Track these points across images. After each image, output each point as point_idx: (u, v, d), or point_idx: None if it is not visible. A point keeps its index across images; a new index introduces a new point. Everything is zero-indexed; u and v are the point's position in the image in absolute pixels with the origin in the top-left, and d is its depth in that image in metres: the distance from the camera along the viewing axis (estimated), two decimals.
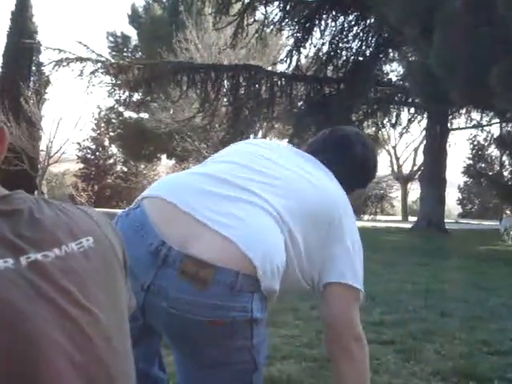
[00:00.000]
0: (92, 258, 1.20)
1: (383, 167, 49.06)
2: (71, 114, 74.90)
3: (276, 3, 24.67)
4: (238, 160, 2.23)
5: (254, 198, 2.07)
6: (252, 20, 25.18)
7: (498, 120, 26.55)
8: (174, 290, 1.85)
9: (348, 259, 2.21)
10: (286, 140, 31.86)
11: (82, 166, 49.64)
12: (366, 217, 42.57)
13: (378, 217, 43.26)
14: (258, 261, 1.89)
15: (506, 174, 31.85)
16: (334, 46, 25.51)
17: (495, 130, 34.96)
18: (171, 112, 33.46)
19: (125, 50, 44.34)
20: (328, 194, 2.26)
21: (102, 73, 22.67)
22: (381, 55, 25.82)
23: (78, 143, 48.00)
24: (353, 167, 2.50)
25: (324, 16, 24.82)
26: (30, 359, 1.00)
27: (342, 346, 2.20)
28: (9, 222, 1.16)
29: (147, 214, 2.04)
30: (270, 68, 28.80)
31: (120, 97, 26.17)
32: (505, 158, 31.97)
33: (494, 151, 40.62)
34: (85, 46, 22.89)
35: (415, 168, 45.10)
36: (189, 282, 1.87)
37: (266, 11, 24.89)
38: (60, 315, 1.08)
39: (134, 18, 43.59)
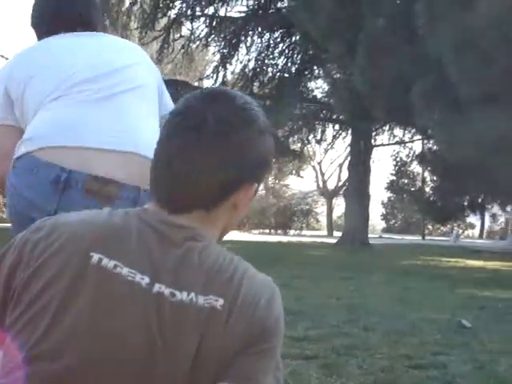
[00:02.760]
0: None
1: (309, 182, 49.61)
2: None
3: (202, 19, 24.74)
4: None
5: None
6: (178, 35, 25.18)
7: (419, 137, 27.15)
8: (80, 208, 1.84)
9: None
10: None
11: None
12: (291, 232, 42.84)
13: (304, 232, 43.58)
14: None
15: (427, 189, 32.46)
16: (259, 62, 25.70)
17: (417, 147, 35.74)
18: None
19: None
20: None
21: None
22: (306, 72, 26.13)
23: None
24: None
25: (250, 32, 24.98)
26: None
27: None
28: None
29: (37, 156, 2.10)
30: (196, 83, 28.79)
31: None
32: (426, 174, 32.66)
33: (416, 167, 41.44)
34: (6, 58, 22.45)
35: (340, 183, 45.69)
36: (94, 200, 1.89)
37: (192, 27, 24.94)
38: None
39: None
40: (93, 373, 1.20)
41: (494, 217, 50.47)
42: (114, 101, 2.23)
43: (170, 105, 2.48)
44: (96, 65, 2.29)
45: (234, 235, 31.91)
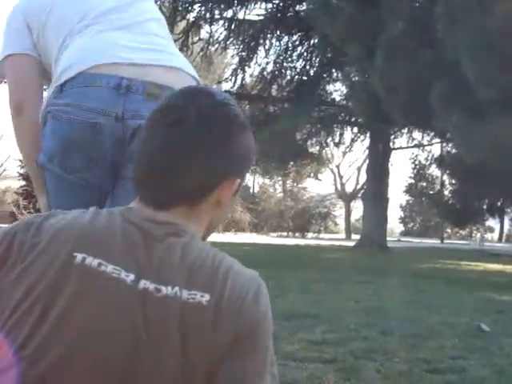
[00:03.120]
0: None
1: (327, 185, 49.51)
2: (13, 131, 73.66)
3: (221, 22, 24.80)
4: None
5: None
6: (197, 38, 25.25)
7: (438, 140, 27.05)
8: (145, 110, 1.88)
9: None
10: None
11: (23, 183, 48.80)
12: (309, 235, 42.80)
13: (322, 235, 43.51)
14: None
15: (446, 193, 32.31)
16: (278, 65, 25.74)
17: (436, 150, 35.61)
18: None
19: None
20: None
21: None
22: (324, 75, 26.12)
23: (20, 160, 47.24)
24: None
25: (268, 35, 25.02)
26: None
27: None
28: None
29: (92, 72, 2.17)
30: (215, 86, 28.84)
31: None
32: (445, 177, 32.50)
33: (434, 171, 41.30)
34: None
35: (358, 186, 45.65)
36: (156, 102, 1.99)
37: (210, 30, 25.02)
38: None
39: None
40: (78, 370, 1.20)
41: None
42: (145, 27, 2.39)
43: None
44: None
45: (252, 238, 31.94)
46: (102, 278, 1.25)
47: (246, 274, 1.33)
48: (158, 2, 23.98)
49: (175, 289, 1.24)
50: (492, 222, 43.19)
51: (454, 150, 21.66)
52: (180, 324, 1.22)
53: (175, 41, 24.65)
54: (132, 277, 1.25)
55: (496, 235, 52.09)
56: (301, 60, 25.64)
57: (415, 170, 45.37)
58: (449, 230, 47.96)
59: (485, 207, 23.27)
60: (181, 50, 24.17)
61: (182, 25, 24.93)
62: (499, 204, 23.62)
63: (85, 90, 2.14)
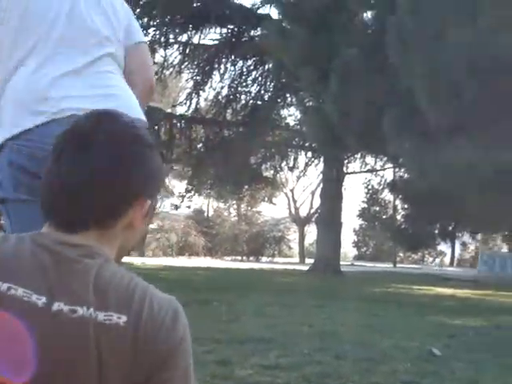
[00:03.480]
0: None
1: (281, 209, 49.65)
2: None
3: (175, 46, 24.82)
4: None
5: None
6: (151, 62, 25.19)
7: (391, 165, 27.36)
8: None
9: None
10: (186, 182, 31.89)
11: None
12: (264, 259, 42.77)
13: (276, 259, 43.50)
14: None
15: (398, 217, 32.72)
16: (233, 89, 25.84)
17: (388, 175, 35.95)
18: None
19: None
20: None
21: None
22: (279, 100, 26.30)
23: None
24: None
25: (223, 60, 25.14)
26: None
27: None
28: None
29: None
30: (169, 110, 28.84)
31: None
32: (397, 202, 32.89)
33: (387, 195, 41.76)
34: None
35: (312, 211, 45.79)
36: None
37: (165, 54, 25.02)
38: None
39: None
40: None
41: (464, 245, 50.84)
42: (97, 68, 2.30)
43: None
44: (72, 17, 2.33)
45: (206, 262, 31.81)
46: (12, 302, 1.22)
47: (162, 297, 1.32)
48: None
49: (90, 310, 1.22)
50: (444, 247, 43.70)
51: (406, 175, 21.94)
52: (96, 345, 1.20)
53: None
54: (44, 299, 1.22)
55: (448, 259, 52.69)
56: (255, 85, 25.80)
57: (368, 195, 45.84)
58: (401, 254, 48.37)
59: (436, 232, 23.58)
60: None
61: None
62: (450, 228, 23.95)
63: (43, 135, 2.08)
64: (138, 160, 1.36)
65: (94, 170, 1.30)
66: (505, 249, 41.86)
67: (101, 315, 1.22)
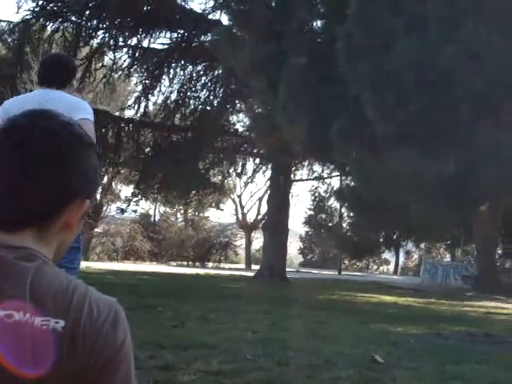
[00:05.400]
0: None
1: (228, 216, 49.61)
2: None
3: (125, 49, 24.66)
4: None
5: None
6: (100, 65, 25.03)
7: (337, 173, 27.58)
8: None
9: None
10: (132, 186, 31.65)
11: None
12: (210, 264, 42.67)
13: (222, 264, 43.42)
14: None
15: (344, 225, 33.02)
16: (182, 94, 25.79)
17: (335, 183, 36.23)
18: None
19: None
20: None
21: None
22: (228, 106, 26.33)
23: None
24: None
25: (173, 64, 25.08)
26: None
27: None
28: None
29: None
30: (117, 113, 28.64)
31: None
32: (344, 209, 33.16)
33: (334, 203, 42.07)
34: None
35: (259, 217, 45.88)
36: None
37: (114, 57, 24.88)
38: None
39: None
40: None
41: (408, 253, 51.48)
42: None
43: None
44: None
45: (151, 267, 31.61)
46: None
47: (102, 300, 1.28)
48: (61, 27, 23.69)
49: (27, 315, 1.19)
50: (388, 255, 44.16)
51: (352, 183, 22.14)
52: (32, 351, 1.17)
53: (77, 67, 24.34)
54: None
55: (392, 267, 53.30)
56: (205, 90, 25.79)
57: (315, 202, 46.13)
58: (346, 262, 48.76)
59: (381, 240, 23.85)
60: (83, 76, 23.91)
61: (85, 50, 24.66)
62: (395, 237, 24.25)
63: None
64: (75, 159, 1.33)
65: (29, 169, 1.28)
66: (448, 258, 42.51)
67: (38, 320, 1.19)
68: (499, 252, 31.64)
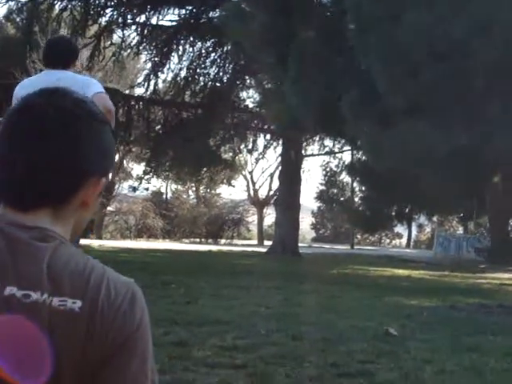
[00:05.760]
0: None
1: (240, 192, 49.65)
2: None
3: (133, 27, 24.59)
4: None
5: None
6: (109, 43, 24.97)
7: (349, 147, 27.51)
8: None
9: None
10: (144, 164, 31.68)
11: None
12: (222, 241, 42.81)
13: (235, 241, 43.55)
14: None
15: (356, 199, 32.95)
16: (191, 71, 25.71)
17: (347, 157, 36.19)
18: None
19: None
20: None
21: None
22: (238, 82, 26.24)
23: None
24: None
25: (182, 41, 24.99)
26: None
27: None
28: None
29: None
30: (127, 91, 28.60)
31: None
32: (355, 184, 33.13)
33: (345, 177, 42.00)
34: None
35: (271, 193, 45.88)
36: None
37: (123, 34, 24.78)
38: None
39: None
40: None
41: (420, 227, 51.42)
42: None
43: None
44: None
45: (164, 244, 31.71)
46: None
47: (120, 281, 1.27)
48: (69, 6, 23.61)
49: (44, 295, 1.18)
50: (400, 229, 44.11)
51: (363, 158, 22.06)
52: (50, 331, 1.16)
53: (86, 45, 24.33)
54: None
55: (404, 241, 53.26)
56: (214, 66, 25.70)
57: (326, 177, 46.06)
58: (359, 236, 48.78)
59: (393, 214, 23.80)
60: (92, 54, 23.86)
61: (93, 29, 24.60)
62: (407, 211, 24.20)
63: None
64: (90, 137, 1.31)
65: (44, 148, 1.26)
66: (460, 230, 42.42)
67: (55, 300, 1.17)
68: None
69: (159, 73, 25.81)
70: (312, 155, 33.70)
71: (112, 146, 1.39)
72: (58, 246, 1.26)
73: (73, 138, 1.29)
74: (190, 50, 25.54)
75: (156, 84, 26.12)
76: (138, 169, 40.34)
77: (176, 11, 24.95)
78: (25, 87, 4.34)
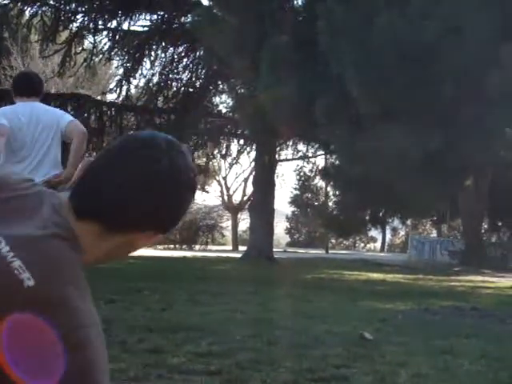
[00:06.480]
0: None
1: (214, 197, 49.60)
2: None
3: (105, 33, 24.45)
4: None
5: None
6: (80, 49, 24.84)
7: (322, 152, 27.58)
8: None
9: None
10: None
11: None
12: (197, 247, 42.69)
13: (209, 246, 43.48)
14: None
15: (330, 204, 33.07)
16: (164, 76, 25.63)
17: (320, 162, 36.27)
18: None
19: None
20: None
21: None
22: (210, 87, 26.19)
23: None
24: None
25: (154, 47, 24.89)
26: None
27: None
28: None
29: None
30: (99, 97, 28.44)
31: None
32: (329, 188, 33.24)
33: (319, 182, 42.13)
34: None
35: (245, 198, 45.89)
36: None
37: (94, 40, 24.60)
38: None
39: None
40: None
41: (394, 230, 51.72)
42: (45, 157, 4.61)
43: None
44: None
45: (138, 251, 31.54)
46: None
47: (82, 309, 1.25)
48: (40, 12, 23.44)
49: (7, 247, 1.21)
50: (374, 232, 44.36)
51: (337, 162, 22.12)
52: None
53: (57, 51, 24.18)
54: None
55: (379, 245, 53.54)
56: (187, 72, 25.63)
57: (300, 182, 46.18)
58: (333, 241, 48.92)
59: (367, 218, 23.89)
60: (63, 60, 23.70)
61: (64, 35, 24.44)
62: (381, 214, 24.30)
63: None
64: (178, 201, 1.37)
65: (140, 187, 1.31)
66: (434, 234, 42.72)
67: (16, 262, 1.19)
68: (485, 226, 31.83)
69: (131, 78, 25.71)
70: (286, 160, 33.73)
71: (186, 211, 1.45)
72: (58, 238, 1.27)
73: (163, 195, 1.34)
74: (163, 55, 25.48)
75: (128, 90, 26.03)
76: None
77: (148, 16, 24.86)
78: (7, 111, 5.15)
